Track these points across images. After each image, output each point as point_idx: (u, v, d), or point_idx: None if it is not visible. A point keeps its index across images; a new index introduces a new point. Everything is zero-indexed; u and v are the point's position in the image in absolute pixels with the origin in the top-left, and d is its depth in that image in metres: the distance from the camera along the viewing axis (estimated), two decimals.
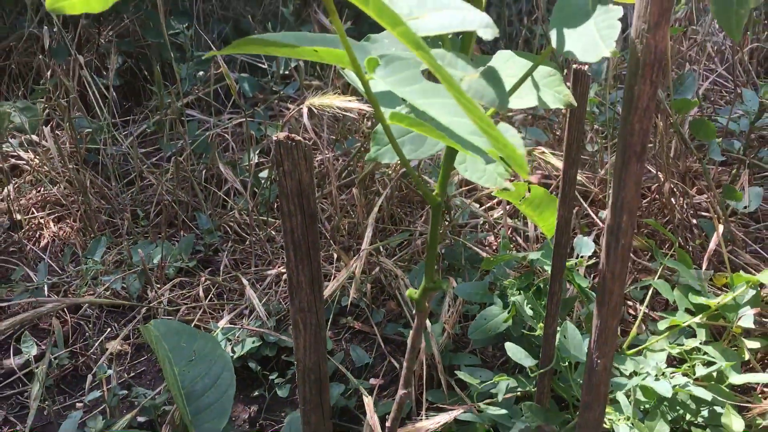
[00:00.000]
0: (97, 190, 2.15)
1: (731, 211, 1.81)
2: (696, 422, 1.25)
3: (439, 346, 1.47)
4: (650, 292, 1.51)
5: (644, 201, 1.89)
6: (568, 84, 0.91)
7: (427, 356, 1.47)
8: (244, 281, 1.72)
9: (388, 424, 0.98)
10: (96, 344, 1.66)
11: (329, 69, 2.43)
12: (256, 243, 1.96)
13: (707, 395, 1.20)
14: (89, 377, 1.55)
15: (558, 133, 2.14)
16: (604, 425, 1.15)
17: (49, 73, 2.36)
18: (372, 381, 1.56)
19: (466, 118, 0.62)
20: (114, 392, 1.47)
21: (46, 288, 1.80)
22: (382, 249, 1.80)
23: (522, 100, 0.74)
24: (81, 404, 1.53)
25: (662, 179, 1.77)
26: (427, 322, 1.47)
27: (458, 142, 0.60)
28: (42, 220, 2.08)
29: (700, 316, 1.38)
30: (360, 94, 1.57)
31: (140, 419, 1.44)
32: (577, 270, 1.45)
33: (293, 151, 1.03)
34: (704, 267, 1.55)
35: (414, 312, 0.89)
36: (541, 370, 1.25)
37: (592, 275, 1.69)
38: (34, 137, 2.29)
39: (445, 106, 0.62)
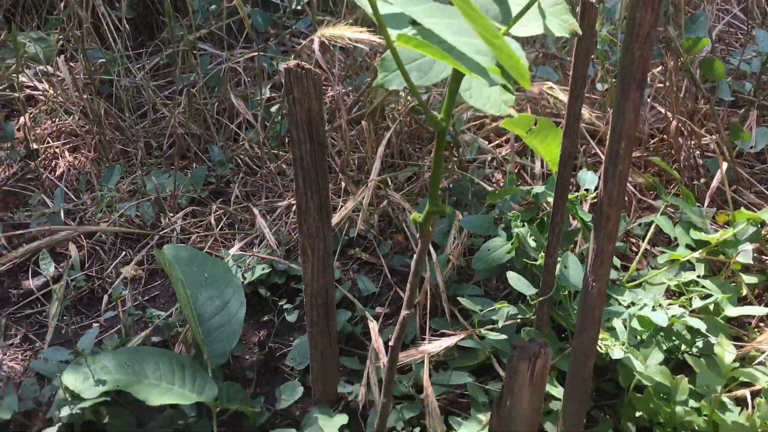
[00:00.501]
0: (111, 120, 2.18)
1: (738, 151, 1.83)
2: (690, 352, 1.29)
3: (444, 276, 1.51)
4: (652, 229, 1.54)
5: (652, 141, 1.90)
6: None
7: (432, 286, 1.51)
8: (255, 211, 1.76)
9: (391, 342, 1.02)
10: (111, 268, 1.72)
11: (342, 5, 2.42)
12: (267, 175, 1.99)
13: (702, 326, 1.24)
14: (105, 298, 1.61)
15: (569, 73, 2.14)
16: (600, 350, 1.20)
17: (62, 4, 2.37)
18: (378, 309, 1.60)
19: (472, 38, 0.64)
20: (129, 312, 1.53)
21: (62, 213, 1.84)
22: (390, 183, 1.83)
23: (527, 27, 0.76)
24: (97, 324, 1.59)
25: (671, 118, 1.78)
26: (433, 253, 1.51)
27: (463, 63, 0.62)
28: (57, 150, 2.12)
29: (700, 251, 1.41)
30: (371, 25, 1.57)
31: (154, 339, 1.50)
32: (581, 204, 1.47)
33: (303, 79, 1.06)
34: (706, 204, 1.57)
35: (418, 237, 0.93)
36: (541, 298, 1.29)
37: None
38: (49, 68, 2.32)
39: (451, 26, 0.64)
